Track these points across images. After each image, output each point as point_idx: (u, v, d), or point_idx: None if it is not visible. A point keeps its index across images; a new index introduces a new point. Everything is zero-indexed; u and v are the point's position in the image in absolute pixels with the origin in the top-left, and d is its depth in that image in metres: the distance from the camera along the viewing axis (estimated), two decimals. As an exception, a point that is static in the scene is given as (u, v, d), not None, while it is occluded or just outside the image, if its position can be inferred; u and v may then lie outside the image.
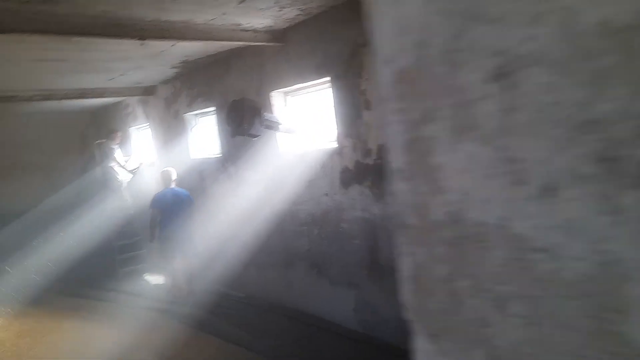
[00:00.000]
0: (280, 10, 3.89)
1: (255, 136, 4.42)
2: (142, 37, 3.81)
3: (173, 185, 6.19)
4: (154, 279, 7.06)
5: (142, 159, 8.10)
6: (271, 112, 4.90)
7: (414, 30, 0.77)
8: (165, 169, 6.36)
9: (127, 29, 3.71)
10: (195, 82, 6.38)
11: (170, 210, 5.93)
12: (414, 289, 0.87)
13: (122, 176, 7.91)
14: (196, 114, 6.78)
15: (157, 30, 3.85)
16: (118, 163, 7.88)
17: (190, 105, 6.61)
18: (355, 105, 4.10)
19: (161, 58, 5.30)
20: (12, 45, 4.05)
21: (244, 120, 4.23)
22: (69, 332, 5.53)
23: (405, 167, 0.83)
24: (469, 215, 0.75)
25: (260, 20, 4.13)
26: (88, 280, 7.19)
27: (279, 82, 4.89)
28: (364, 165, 4.16)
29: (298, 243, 5.18)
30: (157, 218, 5.96)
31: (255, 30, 4.37)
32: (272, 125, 4.47)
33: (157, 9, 3.51)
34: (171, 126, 7.17)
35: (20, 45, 4.08)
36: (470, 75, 0.71)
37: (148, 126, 8.02)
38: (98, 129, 9.73)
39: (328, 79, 4.35)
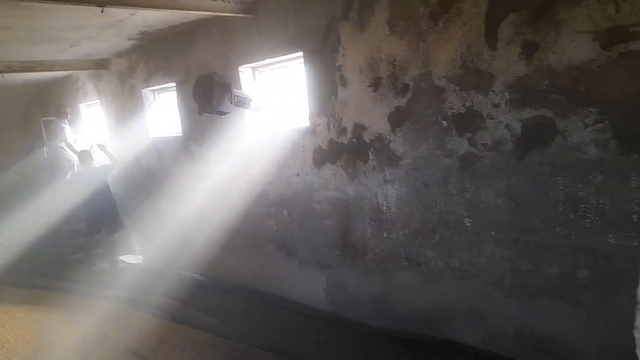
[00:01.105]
0: (253, -21, 3.68)
1: (224, 114, 4.21)
2: (101, 4, 3.48)
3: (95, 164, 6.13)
4: (111, 263, 6.67)
5: (93, 139, 7.61)
6: (240, 88, 4.69)
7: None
8: (83, 149, 6.36)
9: (86, -8, 3.37)
10: (154, 55, 6.01)
11: (86, 192, 5.91)
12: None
13: (72, 156, 7.38)
14: (154, 90, 6.41)
15: (118, -5, 3.53)
16: (67, 142, 7.34)
17: (148, 81, 6.23)
18: (331, 81, 3.98)
19: (118, 28, 4.91)
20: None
21: (213, 97, 4.00)
22: (23, 326, 5.13)
23: None
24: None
25: (231, -12, 3.89)
26: (38, 269, 6.71)
27: (248, 56, 4.68)
28: (338, 144, 4.08)
29: (266, 225, 5.05)
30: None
31: (225, 0, 4.13)
32: (242, 102, 4.27)
33: (119, -30, 3.21)
34: (126, 103, 6.74)
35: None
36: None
37: (100, 103, 7.51)
38: (44, 105, 9.03)
39: (301, 54, 4.19)
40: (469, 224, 3.27)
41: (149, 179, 6.56)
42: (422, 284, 3.67)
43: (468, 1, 2.95)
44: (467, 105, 3.10)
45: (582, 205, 2.69)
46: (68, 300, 5.70)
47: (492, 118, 2.99)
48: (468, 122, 3.12)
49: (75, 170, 7.24)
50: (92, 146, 7.46)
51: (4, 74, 6.38)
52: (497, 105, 2.95)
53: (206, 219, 5.58)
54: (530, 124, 2.82)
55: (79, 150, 7.43)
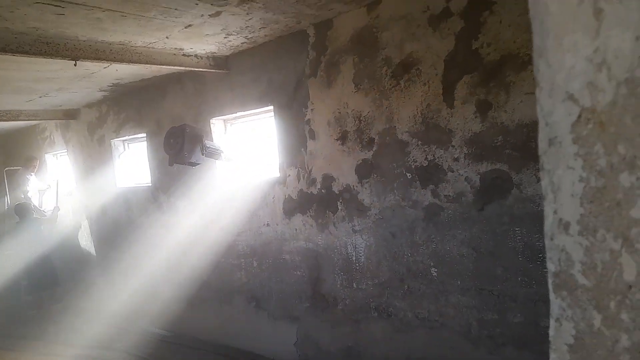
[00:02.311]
0: (226, 37, 3.84)
1: (195, 164, 4.24)
2: (75, 58, 3.55)
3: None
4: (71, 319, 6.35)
5: (50, 179, 7.52)
6: (211, 139, 4.76)
7: (618, 66, 0.65)
8: (19, 202, 6.46)
9: (59, 48, 3.44)
10: (124, 107, 6.05)
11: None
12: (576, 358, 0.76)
13: (37, 207, 7.16)
14: (124, 140, 6.41)
15: (92, 50, 3.62)
16: (29, 194, 7.14)
17: (118, 131, 6.24)
18: (300, 134, 4.11)
19: (90, 80, 4.97)
20: None
21: (184, 148, 4.05)
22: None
23: (582, 219, 0.72)
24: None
25: (203, 46, 4.04)
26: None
27: (220, 109, 4.79)
28: (308, 195, 4.15)
29: (235, 276, 4.98)
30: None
31: (197, 56, 4.27)
32: (213, 154, 4.33)
33: (93, 28, 3.30)
34: (95, 153, 6.69)
35: None
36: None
37: (67, 152, 7.42)
38: (8, 154, 8.83)
39: (271, 107, 4.33)
40: (435, 274, 3.33)
41: (115, 229, 6.42)
42: (392, 335, 3.67)
43: (426, 63, 3.17)
44: (429, 159, 3.26)
45: (540, 255, 2.81)
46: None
47: (452, 171, 3.14)
48: (430, 174, 3.26)
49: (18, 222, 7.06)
50: (48, 186, 7.33)
51: (-33, 123, 6.27)
52: (456, 159, 3.11)
53: (174, 271, 5.46)
54: (488, 177, 2.98)
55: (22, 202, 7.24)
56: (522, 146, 2.80)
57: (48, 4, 2.78)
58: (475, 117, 2.98)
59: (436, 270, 3.32)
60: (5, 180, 7.62)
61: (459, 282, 3.21)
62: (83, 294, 6.14)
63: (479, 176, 3.01)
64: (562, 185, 0.72)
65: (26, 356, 5.46)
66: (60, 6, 2.83)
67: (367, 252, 3.75)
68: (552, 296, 0.76)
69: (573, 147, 0.69)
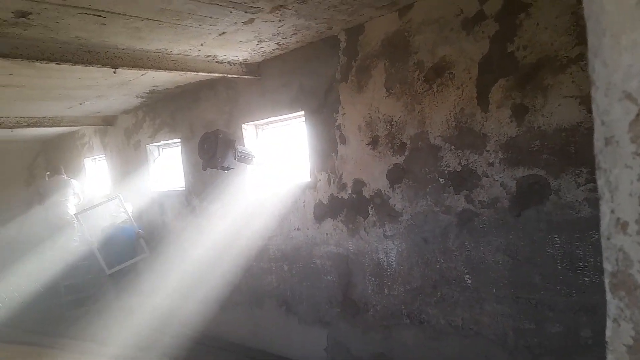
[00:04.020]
0: (258, 44, 3.91)
1: (228, 169, 4.32)
2: (114, 66, 3.69)
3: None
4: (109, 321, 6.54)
5: (98, 195, 7.72)
6: (243, 144, 4.83)
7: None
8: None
9: (100, 56, 3.58)
10: (159, 113, 6.23)
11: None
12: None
13: (74, 210, 7.43)
14: (159, 145, 6.58)
15: (130, 58, 3.75)
16: (68, 198, 7.42)
17: (153, 136, 6.42)
18: (331, 139, 4.12)
19: (128, 87, 5.15)
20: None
21: (217, 153, 4.13)
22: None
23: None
24: None
25: (236, 52, 4.12)
26: (34, 325, 6.56)
27: (252, 114, 4.86)
28: (338, 200, 4.15)
29: (266, 280, 5.02)
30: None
31: (230, 63, 4.36)
32: (245, 158, 4.40)
33: (132, 37, 3.42)
34: (131, 157, 6.90)
35: (-24, 68, 3.83)
36: None
37: (105, 157, 7.68)
38: (49, 159, 9.22)
39: (302, 113, 4.36)
40: (469, 281, 3.27)
41: (150, 232, 6.58)
42: (424, 342, 3.61)
43: (459, 67, 3.13)
44: (462, 164, 3.20)
45: (581, 264, 2.72)
46: (60, 359, 5.54)
47: (487, 176, 3.08)
48: (464, 179, 3.21)
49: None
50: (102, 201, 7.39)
51: (13, 129, 6.59)
52: (491, 164, 3.05)
53: (206, 274, 5.55)
54: (524, 183, 2.90)
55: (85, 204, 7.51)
56: (561, 151, 2.72)
57: (91, 14, 2.90)
58: (511, 121, 2.91)
59: (470, 277, 3.25)
60: (46, 185, 7.91)
61: (494, 290, 3.14)
62: (119, 295, 6.30)
63: (515, 181, 2.94)
64: (620, 184, 0.70)
65: (67, 354, 5.65)
66: (102, 16, 2.95)
67: (398, 257, 3.71)
68: (609, 296, 0.75)
69: (631, 146, 0.67)
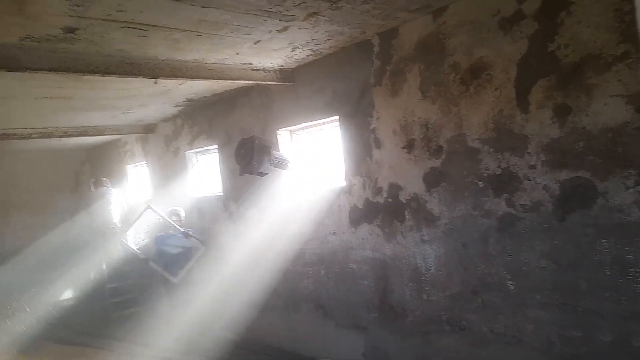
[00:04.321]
0: (292, 51, 3.95)
1: (264, 174, 4.38)
2: (155, 76, 3.82)
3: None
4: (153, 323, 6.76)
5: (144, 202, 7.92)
6: (278, 150, 4.89)
7: None
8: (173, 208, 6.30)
9: (141, 67, 3.72)
10: (197, 120, 6.39)
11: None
12: None
13: (118, 216, 7.73)
14: (197, 152, 6.75)
15: (170, 69, 3.87)
16: (114, 203, 7.73)
17: (192, 143, 6.59)
18: (365, 143, 4.11)
19: (167, 96, 5.32)
20: (20, 82, 4.03)
21: (253, 159, 4.20)
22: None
23: None
24: None
25: (271, 60, 4.19)
26: (82, 326, 6.87)
27: (286, 120, 4.92)
28: (374, 204, 4.13)
29: (303, 284, 5.05)
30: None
31: (265, 70, 4.43)
32: (280, 164, 4.45)
33: (171, 48, 3.54)
34: (170, 164, 7.11)
35: (28, 82, 4.06)
36: None
37: (146, 164, 7.95)
38: (93, 166, 9.63)
39: (336, 117, 4.38)
40: (512, 287, 3.17)
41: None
42: (465, 349, 3.53)
43: (497, 68, 3.06)
44: (502, 167, 3.12)
45: (632, 269, 2.59)
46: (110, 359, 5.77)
47: (529, 179, 2.99)
48: (505, 183, 3.12)
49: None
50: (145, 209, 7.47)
51: (60, 138, 6.92)
52: (533, 167, 2.95)
53: (244, 278, 5.64)
54: (569, 186, 2.80)
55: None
56: (607, 152, 2.61)
57: (133, 28, 3.02)
58: (553, 122, 2.82)
59: (513, 283, 3.16)
60: (91, 192, 8.26)
61: (538, 296, 3.04)
62: (162, 298, 6.50)
63: (559, 184, 2.84)
64: None
65: (113, 355, 5.88)
66: (143, 29, 3.07)
67: (436, 262, 3.66)
68: None
69: None
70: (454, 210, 3.48)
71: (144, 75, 3.80)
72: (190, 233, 6.07)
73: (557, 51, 2.75)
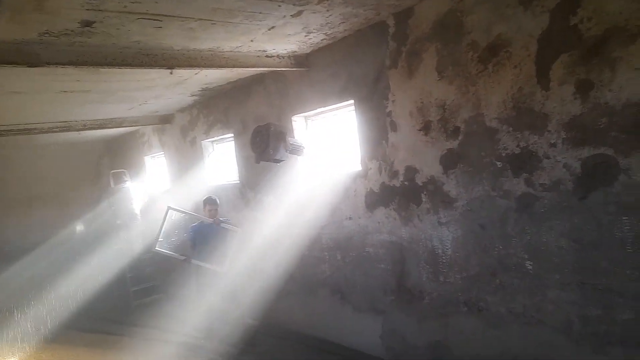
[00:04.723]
0: (306, 36, 3.94)
1: (279, 161, 4.41)
2: (170, 66, 3.86)
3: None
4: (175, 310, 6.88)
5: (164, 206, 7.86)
6: (293, 136, 4.90)
7: None
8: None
9: (157, 58, 3.75)
10: (213, 109, 6.44)
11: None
12: None
13: (138, 206, 7.88)
14: (213, 141, 6.81)
15: (185, 58, 3.90)
16: (133, 195, 7.87)
17: (208, 133, 6.65)
18: (381, 127, 4.09)
19: (182, 86, 5.36)
20: (40, 77, 4.10)
21: (269, 146, 4.22)
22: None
23: None
24: None
25: (285, 45, 4.18)
26: (104, 314, 7.05)
27: (301, 106, 4.92)
28: (390, 188, 4.12)
29: (320, 269, 5.08)
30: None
31: (279, 56, 4.42)
32: (296, 150, 4.46)
33: (186, 37, 3.56)
34: (187, 154, 7.19)
35: (47, 77, 4.13)
36: None
37: (163, 154, 8.05)
38: (112, 158, 9.79)
39: (351, 101, 4.36)
40: (530, 267, 3.15)
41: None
42: (483, 330, 3.53)
43: (517, 45, 3.00)
44: (521, 146, 3.08)
45: (655, 247, 2.55)
46: (130, 345, 5.91)
47: (548, 158, 2.95)
48: (524, 162, 3.09)
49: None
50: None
51: (80, 132, 7.05)
52: (553, 145, 2.91)
53: (262, 264, 5.71)
54: (590, 163, 2.75)
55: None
56: (631, 127, 2.55)
57: (149, 19, 3.05)
58: (575, 99, 2.77)
59: (531, 263, 3.14)
60: (111, 183, 8.43)
61: (557, 276, 3.01)
62: (182, 285, 6.62)
63: (580, 162, 2.80)
64: None
65: (135, 341, 6.03)
66: (158, 20, 3.09)
67: (454, 244, 3.65)
68: None
69: None
70: (471, 191, 3.45)
71: (160, 66, 3.83)
72: (221, 220, 5.92)
73: (580, 24, 2.69)
